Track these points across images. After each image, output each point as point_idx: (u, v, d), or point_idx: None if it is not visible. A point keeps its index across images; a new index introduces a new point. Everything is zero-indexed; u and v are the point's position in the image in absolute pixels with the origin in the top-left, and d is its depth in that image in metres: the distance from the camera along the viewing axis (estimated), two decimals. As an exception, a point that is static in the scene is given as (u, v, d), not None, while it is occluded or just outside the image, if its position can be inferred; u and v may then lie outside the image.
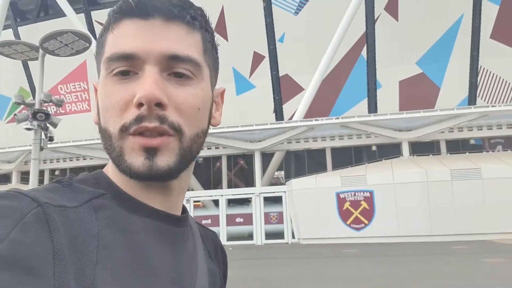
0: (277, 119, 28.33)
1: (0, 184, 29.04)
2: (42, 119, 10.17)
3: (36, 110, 10.28)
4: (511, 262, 11.76)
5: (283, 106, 29.92)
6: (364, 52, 29.26)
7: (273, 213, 21.87)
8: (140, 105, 0.60)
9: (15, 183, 28.58)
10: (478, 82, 27.97)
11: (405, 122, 21.49)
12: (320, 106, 27.47)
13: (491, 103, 26.80)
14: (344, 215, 20.25)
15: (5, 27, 31.16)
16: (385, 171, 20.07)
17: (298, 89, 29.43)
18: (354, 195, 20.16)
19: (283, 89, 30.20)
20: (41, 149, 10.55)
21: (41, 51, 10.78)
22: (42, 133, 10.70)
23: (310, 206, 20.43)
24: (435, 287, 8.58)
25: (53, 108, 33.11)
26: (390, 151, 23.57)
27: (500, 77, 28.05)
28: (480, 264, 11.55)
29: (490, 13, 27.16)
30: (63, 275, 0.50)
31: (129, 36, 0.63)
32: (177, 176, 0.66)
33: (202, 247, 0.76)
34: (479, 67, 27.96)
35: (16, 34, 34.10)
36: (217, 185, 29.06)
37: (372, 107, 27.41)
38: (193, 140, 0.66)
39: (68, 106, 33.39)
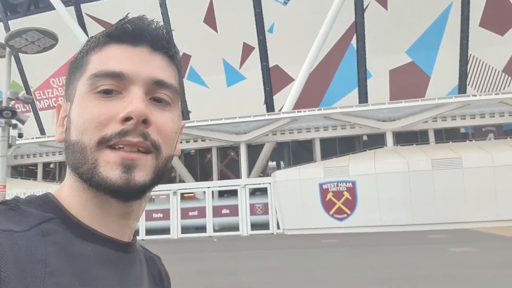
0: (268, 110, 28.36)
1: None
2: (8, 116, 10.34)
3: (3, 107, 10.44)
4: (477, 251, 11.92)
5: (274, 96, 29.94)
6: (354, 42, 29.16)
7: (258, 204, 22.09)
8: (126, 120, 0.62)
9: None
10: (468, 71, 27.87)
11: (389, 112, 21.53)
12: (311, 96, 27.46)
13: (481, 91, 26.75)
14: (327, 205, 20.44)
15: (-4, 21, 31.31)
16: (368, 161, 20.19)
17: (288, 79, 29.39)
18: (337, 185, 20.32)
19: (273, 79, 30.18)
20: (10, 146, 10.75)
21: (7, 48, 10.91)
22: (11, 130, 10.88)
23: (294, 197, 20.62)
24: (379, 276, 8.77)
25: (46, 102, 33.52)
26: (375, 141, 23.66)
27: (489, 65, 27.94)
28: (444, 253, 11.71)
29: (478, 1, 26.97)
30: None
31: (118, 59, 0.66)
32: (145, 194, 0.68)
33: (147, 273, 0.76)
34: (468, 55, 27.84)
35: (7, 28, 34.08)
36: (208, 177, 29.30)
37: (363, 97, 27.37)
38: (167, 161, 0.68)
39: (61, 99, 33.55)
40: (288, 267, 10.80)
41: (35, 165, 30.63)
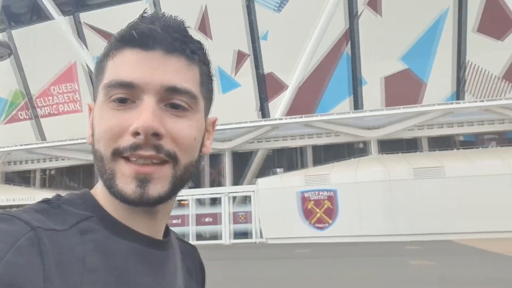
0: (262, 117, 28.27)
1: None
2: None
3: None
4: (435, 264, 11.49)
5: (270, 103, 29.84)
6: (348, 49, 28.90)
7: (241, 213, 21.92)
8: (136, 134, 0.63)
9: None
10: (466, 77, 27.24)
11: (374, 120, 21.15)
12: (305, 103, 27.25)
13: (480, 97, 26.06)
14: (308, 214, 20.14)
15: (0, 30, 32.10)
16: (349, 170, 19.85)
17: (283, 86, 29.27)
18: (318, 194, 20.02)
19: (268, 86, 30.09)
20: None
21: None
22: None
23: (276, 205, 20.41)
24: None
25: (47, 109, 34.18)
26: (363, 150, 23.28)
27: (487, 71, 27.24)
28: (401, 266, 11.34)
29: (474, 6, 26.43)
30: None
31: (129, 66, 0.65)
32: (165, 201, 0.68)
33: (181, 267, 0.78)
34: (466, 61, 27.25)
35: (11, 37, 35.02)
36: (199, 184, 29.29)
37: (357, 104, 27.05)
38: (186, 168, 0.68)
39: (61, 107, 34.19)
40: (228, 279, 10.61)
41: (28, 171, 31.13)
